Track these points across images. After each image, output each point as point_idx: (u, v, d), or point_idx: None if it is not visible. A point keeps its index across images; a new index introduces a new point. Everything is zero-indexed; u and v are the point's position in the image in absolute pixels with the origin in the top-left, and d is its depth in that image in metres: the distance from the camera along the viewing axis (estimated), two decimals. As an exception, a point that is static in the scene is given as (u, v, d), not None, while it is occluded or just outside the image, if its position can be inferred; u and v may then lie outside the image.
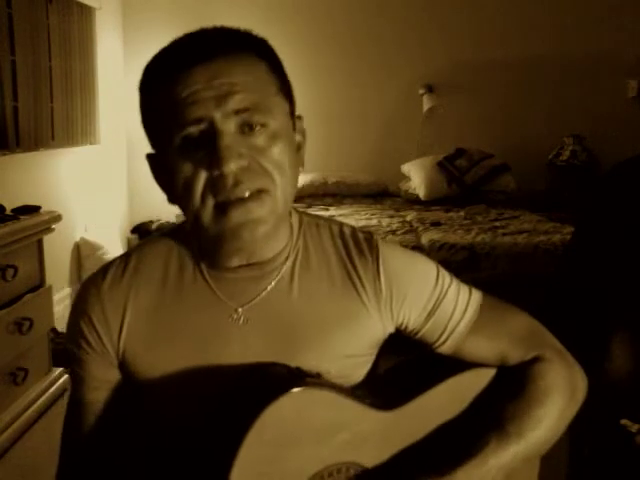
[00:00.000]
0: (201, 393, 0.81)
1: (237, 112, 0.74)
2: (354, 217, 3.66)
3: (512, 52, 4.50)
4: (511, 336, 0.90)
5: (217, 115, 0.73)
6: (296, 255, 0.85)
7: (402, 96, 4.64)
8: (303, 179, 4.28)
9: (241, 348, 0.82)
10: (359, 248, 0.87)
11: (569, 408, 0.90)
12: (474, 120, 4.61)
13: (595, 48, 4.42)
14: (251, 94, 0.74)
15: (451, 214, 3.83)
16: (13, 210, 2.46)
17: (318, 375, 0.82)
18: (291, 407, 0.74)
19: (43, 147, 3.39)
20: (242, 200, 0.74)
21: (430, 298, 0.88)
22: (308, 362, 0.82)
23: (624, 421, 1.16)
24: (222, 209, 0.74)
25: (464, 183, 4.21)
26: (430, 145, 4.55)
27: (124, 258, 0.87)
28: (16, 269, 2.28)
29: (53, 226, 2.58)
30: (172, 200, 0.81)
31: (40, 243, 2.51)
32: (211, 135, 0.73)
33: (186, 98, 0.73)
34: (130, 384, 0.85)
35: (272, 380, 0.79)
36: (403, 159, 4.48)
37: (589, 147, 4.37)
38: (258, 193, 0.75)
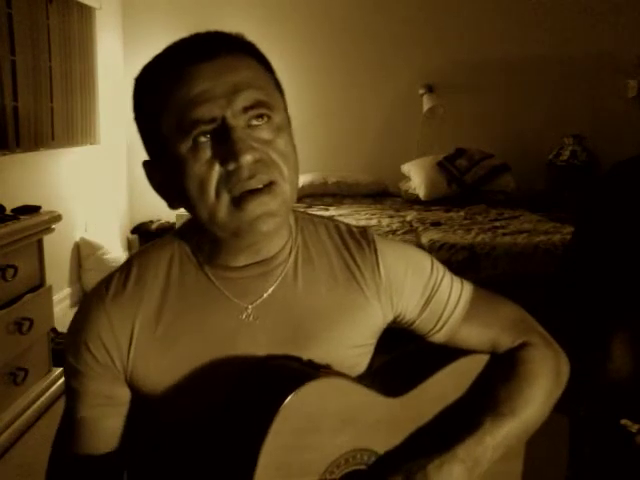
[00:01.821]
0: (217, 394, 0.81)
1: (245, 109, 0.75)
2: (354, 217, 3.66)
3: (512, 52, 4.51)
4: (501, 324, 0.94)
5: (228, 113, 0.74)
6: (297, 251, 0.87)
7: (402, 96, 4.64)
8: (303, 179, 4.28)
9: (252, 345, 0.83)
10: (356, 241, 0.90)
11: (555, 389, 0.94)
12: (474, 120, 4.61)
13: (595, 48, 4.42)
14: (255, 90, 0.76)
15: (451, 214, 3.83)
16: (13, 210, 2.46)
17: (328, 366, 0.84)
18: (314, 395, 0.76)
19: (43, 147, 3.39)
20: (257, 192, 0.75)
21: (426, 288, 0.91)
22: (316, 355, 0.84)
23: (624, 421, 1.16)
24: (238, 203, 0.75)
25: (464, 183, 4.21)
26: (430, 145, 4.55)
27: (125, 268, 0.86)
28: (16, 269, 2.28)
29: (53, 226, 2.59)
30: (175, 204, 0.81)
31: (40, 243, 2.52)
32: (223, 131, 0.74)
33: (197, 96, 0.74)
34: (140, 396, 0.84)
35: (288, 371, 0.81)
36: (403, 159, 4.49)
37: (589, 147, 4.38)
38: (270, 185, 0.76)
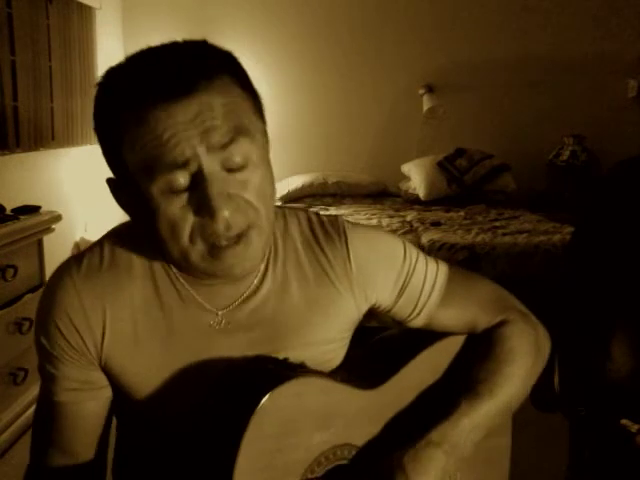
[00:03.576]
0: (189, 395, 0.81)
1: (222, 146, 0.71)
2: (354, 217, 3.66)
3: (512, 52, 4.50)
4: (479, 304, 0.94)
5: (202, 151, 0.69)
6: (269, 254, 0.85)
7: (402, 96, 4.63)
8: (303, 179, 4.28)
9: (225, 351, 0.82)
10: (326, 232, 0.89)
11: (535, 365, 0.94)
12: (474, 120, 4.60)
13: (595, 48, 4.41)
14: (232, 122, 0.71)
15: (451, 214, 3.83)
16: (13, 210, 2.46)
17: (302, 365, 0.84)
18: (288, 397, 0.75)
19: (43, 147, 3.39)
20: (233, 241, 0.73)
21: (400, 275, 0.90)
22: (291, 354, 0.84)
23: (624, 421, 1.16)
24: (213, 252, 0.73)
25: (464, 183, 4.21)
26: (430, 145, 4.55)
27: (97, 249, 0.83)
28: (16, 269, 2.28)
29: (53, 226, 2.59)
30: (141, 226, 0.77)
31: (40, 243, 2.51)
32: (199, 180, 0.70)
33: (169, 139, 0.69)
34: (116, 386, 0.83)
35: (262, 374, 0.80)
36: (403, 159, 4.48)
37: (589, 147, 4.37)
38: (247, 230, 0.74)
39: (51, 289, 0.81)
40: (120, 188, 0.77)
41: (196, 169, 0.70)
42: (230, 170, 0.72)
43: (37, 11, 3.27)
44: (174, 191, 0.71)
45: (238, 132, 0.72)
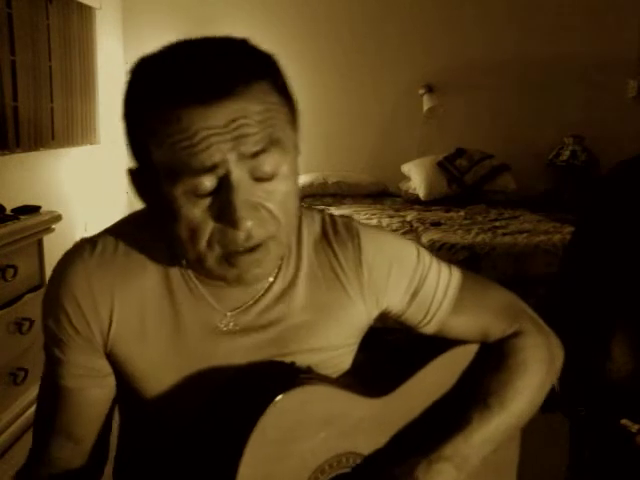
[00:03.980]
0: (192, 396, 0.80)
1: (253, 155, 0.69)
2: (354, 217, 3.66)
3: (512, 52, 4.50)
4: (492, 311, 0.92)
5: (232, 158, 0.68)
6: (281, 259, 0.84)
7: (402, 96, 4.63)
8: (303, 179, 4.27)
9: (230, 353, 0.82)
10: (339, 236, 0.87)
11: (548, 377, 0.92)
12: (474, 120, 4.60)
13: (595, 48, 4.41)
14: (266, 131, 0.70)
15: (451, 214, 3.83)
16: (13, 210, 2.46)
17: (309, 369, 0.83)
18: (292, 405, 0.75)
19: (43, 147, 3.39)
20: (250, 248, 0.72)
21: (412, 280, 0.88)
22: (299, 358, 0.83)
23: (624, 421, 1.15)
24: (230, 259, 0.72)
25: (464, 183, 4.21)
26: (430, 145, 4.55)
27: (114, 235, 0.81)
28: (16, 269, 2.28)
29: (53, 226, 2.59)
30: (157, 220, 0.76)
31: (40, 243, 2.52)
32: (225, 185, 0.69)
33: (200, 142, 0.67)
34: (118, 376, 0.83)
35: (267, 380, 0.80)
36: (403, 159, 4.48)
37: (589, 147, 4.37)
38: (266, 240, 0.73)
39: (62, 270, 0.79)
40: (141, 180, 0.76)
41: (223, 174, 0.69)
42: (258, 179, 0.70)
43: (37, 11, 3.27)
44: (198, 194, 0.69)
45: (271, 142, 0.70)
